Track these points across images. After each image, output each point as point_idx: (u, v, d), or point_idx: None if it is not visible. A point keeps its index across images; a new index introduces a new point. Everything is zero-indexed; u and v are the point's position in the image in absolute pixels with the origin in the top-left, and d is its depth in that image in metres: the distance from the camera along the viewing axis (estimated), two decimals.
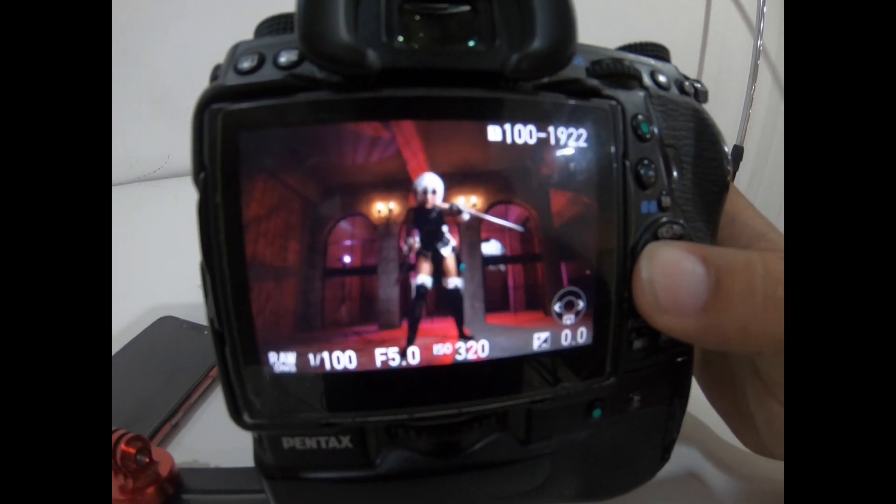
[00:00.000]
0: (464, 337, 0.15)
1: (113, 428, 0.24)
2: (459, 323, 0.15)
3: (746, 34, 0.93)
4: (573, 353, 0.16)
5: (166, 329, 0.36)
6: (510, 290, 0.15)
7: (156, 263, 0.45)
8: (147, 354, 0.34)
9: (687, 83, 0.19)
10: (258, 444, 0.18)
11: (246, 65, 0.14)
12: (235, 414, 0.15)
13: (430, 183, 0.14)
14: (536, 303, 0.15)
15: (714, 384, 0.24)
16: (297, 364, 0.15)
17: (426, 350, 0.15)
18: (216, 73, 0.15)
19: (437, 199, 0.15)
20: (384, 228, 0.15)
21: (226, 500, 0.25)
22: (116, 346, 0.34)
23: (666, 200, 0.17)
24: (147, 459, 0.24)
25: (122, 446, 0.24)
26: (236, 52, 0.15)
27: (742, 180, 1.01)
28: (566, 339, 0.16)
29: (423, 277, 0.15)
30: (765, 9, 0.87)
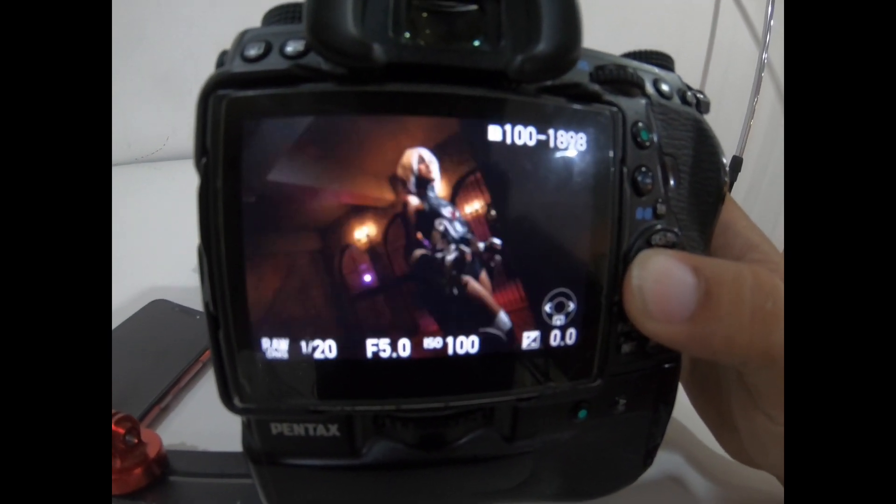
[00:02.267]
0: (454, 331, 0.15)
1: None
2: (451, 320, 0.15)
3: (752, 46, 0.93)
4: (561, 353, 0.16)
5: (158, 312, 0.36)
6: (503, 288, 0.15)
7: (150, 246, 0.45)
8: (138, 337, 0.34)
9: (689, 93, 0.19)
10: (247, 428, 0.18)
11: (252, 52, 0.14)
12: (226, 398, 0.15)
13: (423, 157, 0.15)
14: (528, 302, 0.16)
15: (700, 391, 0.24)
16: (290, 351, 0.15)
17: (416, 343, 0.15)
18: (222, 59, 0.15)
19: (432, 172, 0.15)
20: (384, 223, 0.15)
21: (212, 483, 0.25)
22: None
23: (661, 208, 0.17)
24: (136, 440, 0.24)
25: (112, 426, 0.24)
26: (243, 38, 0.15)
27: (740, 191, 1.02)
28: (555, 339, 0.16)
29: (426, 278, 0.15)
30: (771, 22, 0.87)
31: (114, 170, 0.65)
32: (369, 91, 0.14)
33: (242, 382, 0.15)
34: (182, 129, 0.68)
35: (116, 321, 0.34)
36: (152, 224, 0.50)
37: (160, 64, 0.66)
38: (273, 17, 0.16)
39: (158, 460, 0.25)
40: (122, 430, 0.24)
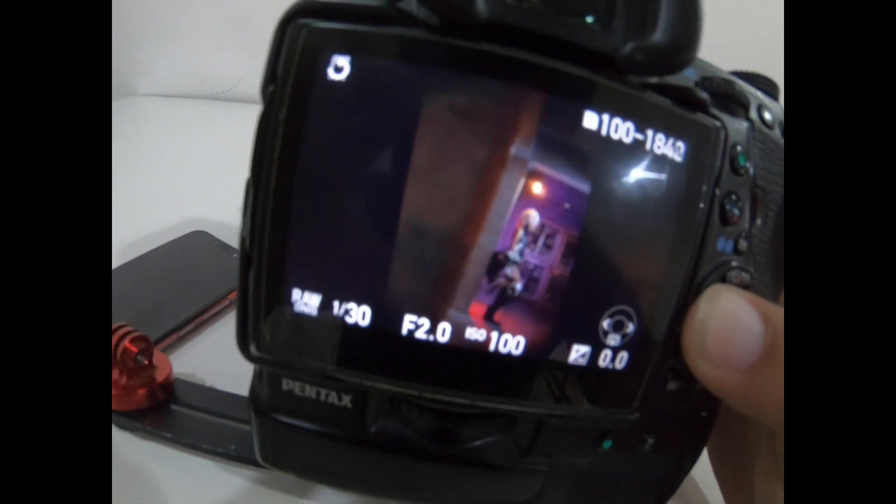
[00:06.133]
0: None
1: (121, 323, 0.24)
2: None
3: None
4: (607, 376, 0.15)
5: (197, 242, 0.36)
6: (565, 292, 0.14)
7: (202, 179, 0.45)
8: (172, 263, 0.34)
9: None
10: (257, 377, 0.17)
11: None
12: (243, 343, 0.15)
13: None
14: (586, 312, 0.14)
15: (723, 444, 0.22)
16: (320, 308, 0.14)
17: (458, 331, 0.14)
18: None
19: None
20: (455, 196, 0.13)
21: (212, 420, 0.24)
22: (145, 249, 0.34)
23: (743, 244, 0.16)
24: (146, 362, 0.24)
25: (126, 343, 0.24)
26: None
27: None
28: (605, 359, 0.15)
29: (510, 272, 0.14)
30: None
31: (178, 101, 0.67)
32: (463, 47, 0.13)
33: (263, 331, 0.14)
34: (254, 74, 0.68)
35: (155, 244, 0.35)
36: (208, 158, 0.50)
37: (239, 8, 0.67)
38: None
39: (165, 386, 0.25)
40: (134, 349, 0.24)
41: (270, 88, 0.13)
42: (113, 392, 0.23)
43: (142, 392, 0.24)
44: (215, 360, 0.28)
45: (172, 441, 0.23)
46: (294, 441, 0.18)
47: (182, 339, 0.29)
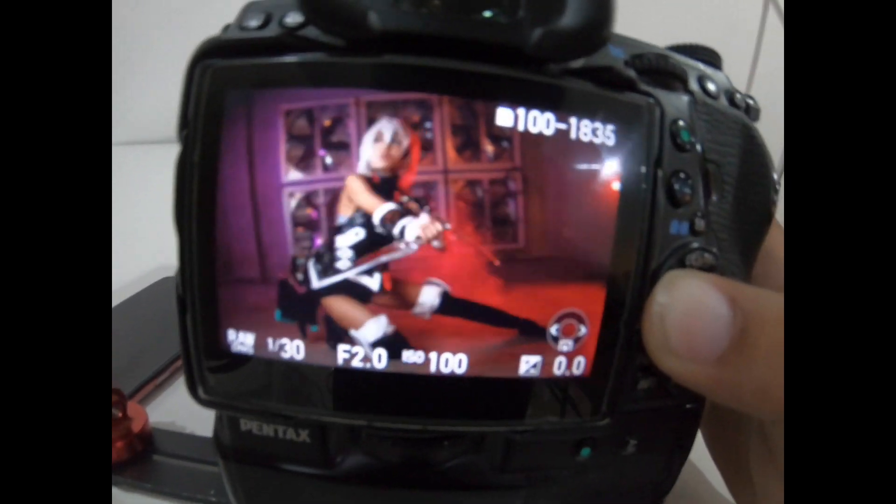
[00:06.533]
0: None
1: None
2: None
3: None
4: (566, 384, 0.14)
5: (167, 290, 0.35)
6: (500, 300, 0.14)
7: (167, 224, 0.45)
8: (144, 312, 0.34)
9: (738, 96, 0.17)
10: (218, 420, 0.17)
11: (252, 23, 0.13)
12: (191, 387, 0.14)
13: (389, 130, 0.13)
14: (530, 320, 0.14)
15: (717, 433, 0.21)
16: (256, 346, 0.13)
17: (394, 354, 0.13)
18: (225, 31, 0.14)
19: (399, 151, 0.13)
20: (364, 214, 0.13)
21: (192, 468, 0.24)
22: (116, 300, 0.34)
23: (700, 224, 0.15)
24: (120, 414, 0.24)
25: None
26: (247, 10, 0.14)
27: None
28: (559, 367, 0.14)
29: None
30: None
31: (150, 147, 0.67)
32: (360, 63, 0.12)
33: (206, 373, 0.14)
34: None
35: (124, 296, 0.34)
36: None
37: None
38: None
39: (142, 436, 0.25)
40: None
41: (184, 132, 0.13)
42: None
43: (119, 444, 0.24)
44: (193, 405, 0.28)
45: (152, 492, 0.23)
46: (263, 482, 0.17)
47: (159, 388, 0.29)
